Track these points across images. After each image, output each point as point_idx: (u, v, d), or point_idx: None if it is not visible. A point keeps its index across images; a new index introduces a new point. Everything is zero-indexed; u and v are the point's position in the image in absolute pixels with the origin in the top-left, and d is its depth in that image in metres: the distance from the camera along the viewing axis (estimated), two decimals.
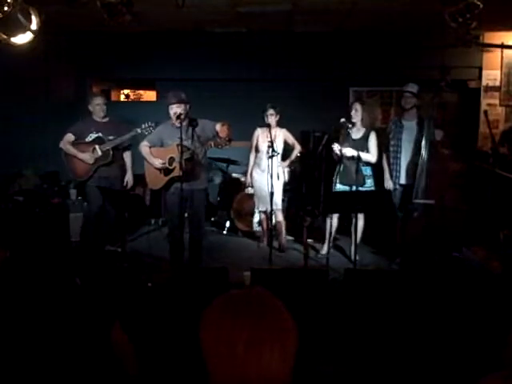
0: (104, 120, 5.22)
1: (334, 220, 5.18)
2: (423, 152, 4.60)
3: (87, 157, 5.07)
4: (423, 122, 4.69)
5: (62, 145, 5.12)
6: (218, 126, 4.45)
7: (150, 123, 4.89)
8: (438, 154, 4.59)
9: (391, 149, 4.93)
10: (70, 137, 5.12)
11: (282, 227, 5.63)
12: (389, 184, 4.97)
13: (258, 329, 1.02)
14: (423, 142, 4.60)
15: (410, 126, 4.82)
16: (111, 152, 5.08)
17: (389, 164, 4.98)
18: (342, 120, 4.82)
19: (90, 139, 5.13)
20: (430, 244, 4.59)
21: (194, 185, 4.65)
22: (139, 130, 4.92)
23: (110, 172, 5.18)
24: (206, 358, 1.05)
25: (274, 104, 5.35)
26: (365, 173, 4.92)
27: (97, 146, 5.07)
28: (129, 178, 5.38)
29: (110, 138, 5.09)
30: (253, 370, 1.00)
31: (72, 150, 5.10)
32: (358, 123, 4.96)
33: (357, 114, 4.92)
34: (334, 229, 5.17)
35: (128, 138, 5.09)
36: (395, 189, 4.93)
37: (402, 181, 4.88)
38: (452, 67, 4.71)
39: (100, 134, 5.10)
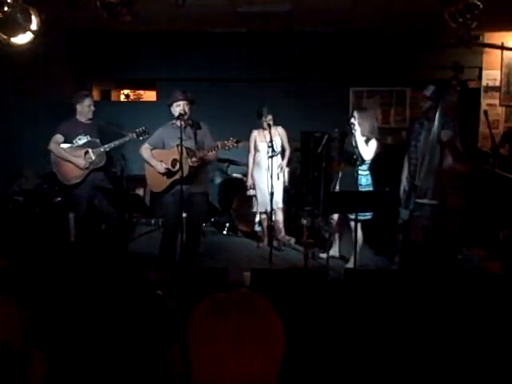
0: (89, 122, 5.04)
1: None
2: (428, 152, 4.56)
3: (81, 162, 4.90)
4: (443, 123, 4.58)
5: (51, 147, 4.93)
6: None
7: (143, 128, 4.81)
8: (443, 154, 4.55)
9: (411, 149, 4.82)
10: (59, 138, 4.93)
11: (280, 225, 5.65)
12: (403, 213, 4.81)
13: (243, 327, 1.02)
14: (429, 142, 4.56)
15: (429, 127, 4.71)
16: (105, 156, 4.96)
17: (408, 165, 4.89)
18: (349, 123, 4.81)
19: (81, 142, 4.97)
20: (431, 244, 4.58)
21: (194, 187, 4.63)
22: (134, 135, 4.83)
23: (98, 176, 5.05)
24: (191, 355, 1.05)
25: (268, 108, 5.36)
26: (366, 182, 4.90)
27: (90, 150, 4.92)
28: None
29: (98, 139, 4.97)
30: (235, 369, 1.00)
31: (64, 154, 4.92)
32: (358, 131, 4.88)
33: (356, 122, 4.86)
34: (360, 240, 4.84)
35: (122, 143, 4.96)
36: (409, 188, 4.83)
37: (417, 182, 4.72)
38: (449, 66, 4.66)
39: (89, 137, 4.96)
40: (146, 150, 4.71)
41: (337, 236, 5.31)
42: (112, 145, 4.95)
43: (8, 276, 2.39)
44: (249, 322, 1.03)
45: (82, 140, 4.98)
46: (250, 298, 1.10)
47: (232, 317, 1.03)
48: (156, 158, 4.68)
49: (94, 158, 4.92)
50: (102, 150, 4.94)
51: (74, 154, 4.94)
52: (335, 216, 5.19)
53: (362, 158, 4.76)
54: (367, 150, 4.82)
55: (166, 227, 4.91)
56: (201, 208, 4.81)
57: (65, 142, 4.96)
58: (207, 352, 1.01)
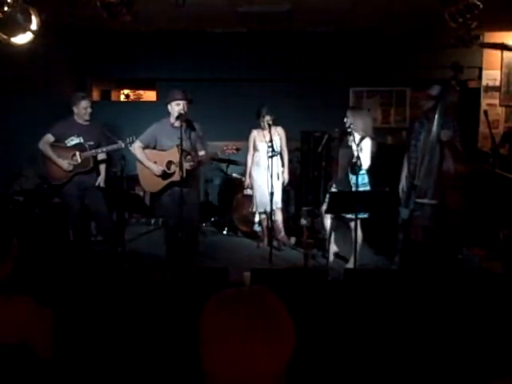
0: (86, 123, 4.97)
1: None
2: (428, 152, 4.56)
3: (65, 164, 4.82)
4: (443, 123, 4.58)
5: (40, 145, 4.88)
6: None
7: (134, 138, 4.76)
8: (443, 154, 4.55)
9: (411, 148, 4.82)
10: (49, 138, 4.88)
11: (280, 225, 5.65)
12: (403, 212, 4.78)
13: (254, 320, 1.02)
14: (429, 142, 4.56)
15: (429, 127, 4.69)
16: (92, 160, 4.90)
17: (408, 164, 4.88)
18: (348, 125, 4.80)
19: (72, 143, 4.90)
20: (431, 244, 4.58)
21: (188, 187, 4.60)
22: (123, 144, 4.80)
23: (86, 178, 4.97)
24: (202, 353, 1.05)
25: (268, 109, 5.35)
26: (362, 181, 4.88)
27: (77, 153, 4.85)
28: (100, 181, 5.12)
29: (90, 143, 4.90)
30: (245, 362, 1.00)
31: (50, 153, 4.85)
32: (355, 130, 4.86)
33: (348, 120, 4.84)
34: (359, 239, 4.81)
35: (110, 150, 4.93)
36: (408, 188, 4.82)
37: (416, 181, 4.71)
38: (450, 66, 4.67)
39: (81, 139, 4.89)
40: (139, 150, 4.65)
41: (332, 235, 5.19)
42: (99, 150, 4.91)
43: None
44: (258, 320, 1.03)
45: (74, 141, 4.91)
46: (261, 295, 1.10)
47: (241, 315, 1.03)
48: (150, 158, 4.63)
49: (79, 160, 4.86)
50: (89, 153, 4.88)
51: (61, 154, 4.88)
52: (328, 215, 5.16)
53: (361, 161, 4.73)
54: (364, 155, 4.75)
55: (167, 229, 4.90)
56: (195, 205, 4.78)
57: (57, 141, 4.91)
58: (217, 349, 1.02)
